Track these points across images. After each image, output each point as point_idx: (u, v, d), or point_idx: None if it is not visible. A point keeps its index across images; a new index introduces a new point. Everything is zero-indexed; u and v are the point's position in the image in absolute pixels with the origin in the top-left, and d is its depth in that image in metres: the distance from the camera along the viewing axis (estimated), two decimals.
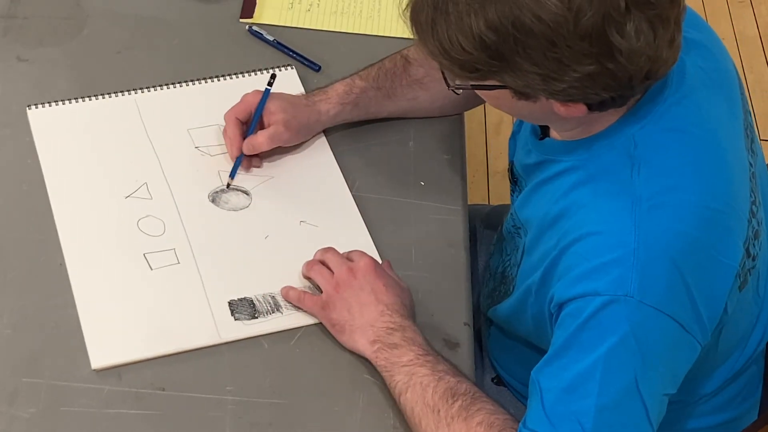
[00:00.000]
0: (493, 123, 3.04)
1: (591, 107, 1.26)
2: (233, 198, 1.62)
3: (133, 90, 1.73)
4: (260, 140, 1.62)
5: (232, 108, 1.64)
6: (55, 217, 1.57)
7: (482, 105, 1.80)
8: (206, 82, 1.75)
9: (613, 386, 1.25)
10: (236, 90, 1.67)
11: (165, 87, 1.74)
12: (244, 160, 1.64)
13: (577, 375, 1.26)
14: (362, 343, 1.44)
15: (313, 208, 1.62)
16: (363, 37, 1.87)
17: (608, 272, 1.25)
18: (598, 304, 1.25)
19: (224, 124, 1.65)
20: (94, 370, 1.43)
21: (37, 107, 1.69)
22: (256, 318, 1.49)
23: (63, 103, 1.70)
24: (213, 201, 1.62)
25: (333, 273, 1.48)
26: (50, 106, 1.70)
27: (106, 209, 1.59)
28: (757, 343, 1.54)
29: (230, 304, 1.50)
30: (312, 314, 1.49)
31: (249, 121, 1.64)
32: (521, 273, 1.46)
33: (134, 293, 1.50)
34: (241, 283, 1.52)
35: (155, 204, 1.60)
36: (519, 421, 1.32)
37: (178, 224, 1.58)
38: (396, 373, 1.40)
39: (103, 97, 1.72)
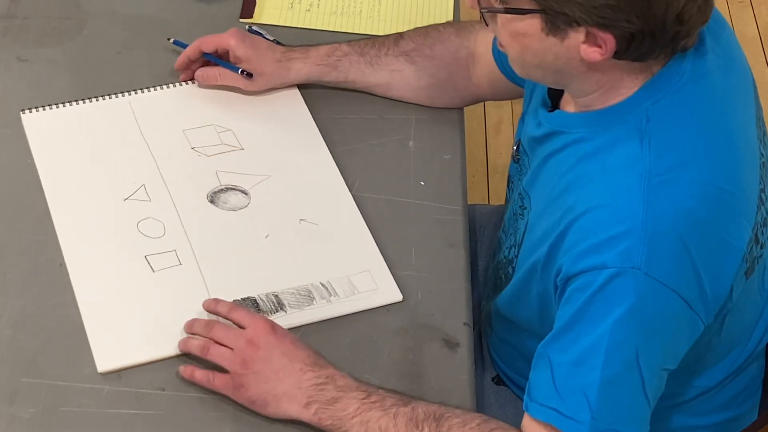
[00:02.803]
0: (493, 123, 3.04)
1: (619, 47, 1.26)
2: (232, 198, 1.62)
3: (126, 92, 1.73)
4: (211, 72, 1.68)
5: (204, 38, 1.70)
6: (55, 223, 1.56)
7: (482, 104, 1.80)
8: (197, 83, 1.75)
9: (616, 359, 1.26)
10: (231, 89, 1.68)
11: (159, 88, 1.74)
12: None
13: (584, 348, 1.26)
14: (295, 409, 1.36)
15: (312, 207, 1.62)
16: (363, 37, 1.86)
17: (616, 245, 1.25)
18: (606, 277, 1.25)
19: (224, 125, 1.67)
20: (101, 373, 1.42)
21: (30, 111, 1.69)
22: None
23: (56, 107, 1.69)
24: (212, 201, 1.61)
25: (232, 350, 1.39)
26: (44, 110, 1.69)
27: (105, 212, 1.58)
28: (759, 339, 1.54)
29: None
30: (226, 395, 1.39)
31: (214, 53, 1.70)
32: (523, 252, 1.45)
33: (137, 296, 1.50)
34: (243, 283, 1.52)
35: (154, 206, 1.60)
36: (492, 419, 1.33)
37: (178, 225, 1.58)
38: (349, 428, 1.34)
39: (97, 100, 1.71)
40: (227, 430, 1.39)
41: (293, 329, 1.48)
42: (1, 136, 1.67)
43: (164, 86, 1.74)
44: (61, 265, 1.52)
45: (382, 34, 1.86)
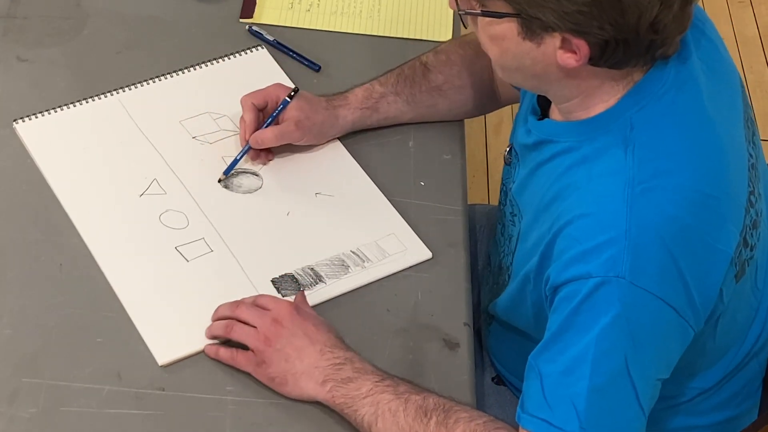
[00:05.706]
0: (493, 123, 3.05)
1: (593, 54, 1.26)
2: (245, 181, 1.64)
3: (114, 90, 1.73)
4: (267, 135, 1.62)
5: (248, 94, 1.65)
6: (80, 232, 1.55)
7: None
8: (182, 73, 1.76)
9: (604, 368, 1.26)
10: (216, 76, 1.69)
11: (145, 83, 1.74)
12: (253, 152, 1.65)
13: (572, 358, 1.27)
14: (311, 387, 1.39)
15: (324, 179, 1.65)
16: (363, 37, 1.87)
17: (600, 254, 1.26)
18: (591, 286, 1.25)
19: (218, 111, 1.67)
20: (161, 366, 1.43)
21: (23, 120, 1.68)
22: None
23: (48, 113, 1.69)
24: (226, 187, 1.63)
25: (256, 328, 1.43)
26: (36, 117, 1.68)
27: (126, 211, 1.59)
28: (756, 338, 1.54)
29: (273, 282, 1.52)
30: (248, 371, 1.44)
31: (265, 108, 1.65)
32: (516, 261, 1.46)
33: (178, 287, 1.52)
34: (278, 261, 1.54)
35: (171, 198, 1.61)
36: (498, 420, 1.34)
37: (199, 214, 1.59)
38: (360, 407, 1.37)
39: (87, 102, 1.71)
40: (227, 431, 1.39)
41: (334, 299, 1.51)
42: (2, 136, 1.67)
43: (150, 81, 1.74)
44: (62, 265, 1.52)
45: (382, 34, 1.86)
